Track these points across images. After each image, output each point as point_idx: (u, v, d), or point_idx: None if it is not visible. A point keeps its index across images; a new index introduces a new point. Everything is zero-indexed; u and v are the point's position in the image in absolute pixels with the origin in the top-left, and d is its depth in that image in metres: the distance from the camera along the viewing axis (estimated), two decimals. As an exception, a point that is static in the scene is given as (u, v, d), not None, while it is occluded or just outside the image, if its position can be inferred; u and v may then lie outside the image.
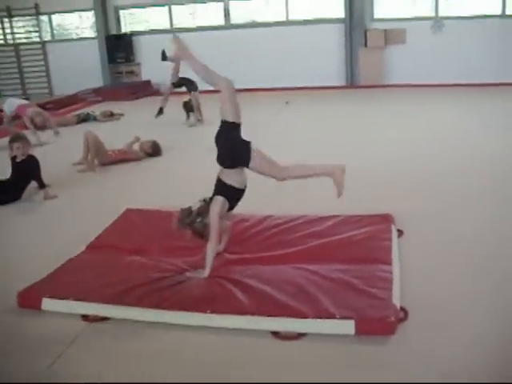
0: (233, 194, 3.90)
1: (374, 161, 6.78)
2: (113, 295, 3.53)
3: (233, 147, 3.87)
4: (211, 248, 3.77)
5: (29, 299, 3.60)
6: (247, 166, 3.87)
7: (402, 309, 3.24)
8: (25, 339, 3.30)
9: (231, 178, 3.86)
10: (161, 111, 10.26)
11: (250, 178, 4.04)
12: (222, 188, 3.88)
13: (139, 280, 3.73)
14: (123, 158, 7.46)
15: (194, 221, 3.80)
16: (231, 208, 3.98)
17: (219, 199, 3.82)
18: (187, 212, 3.82)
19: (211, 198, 3.88)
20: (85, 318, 3.42)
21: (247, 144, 3.88)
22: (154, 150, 7.73)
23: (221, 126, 3.90)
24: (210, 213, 3.79)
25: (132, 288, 3.61)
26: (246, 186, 3.98)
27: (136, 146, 7.73)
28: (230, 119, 3.84)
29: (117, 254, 4.21)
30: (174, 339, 3.21)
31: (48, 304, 3.53)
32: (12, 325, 3.47)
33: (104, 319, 3.40)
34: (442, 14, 14.10)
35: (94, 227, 4.74)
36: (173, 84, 10.24)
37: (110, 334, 3.31)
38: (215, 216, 3.77)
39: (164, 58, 9.06)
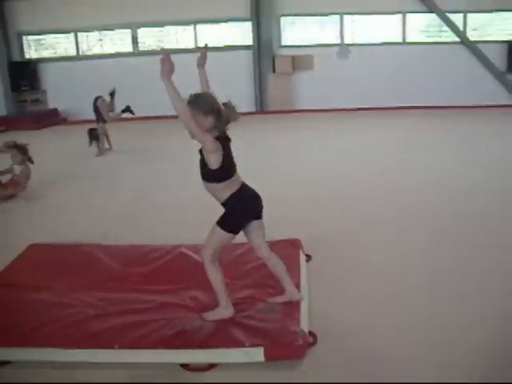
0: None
1: (280, 186, 6.90)
2: (15, 336, 3.36)
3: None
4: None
5: None
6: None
7: (311, 333, 3.29)
8: None
9: (227, 189, 3.38)
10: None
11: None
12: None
13: (44, 319, 3.58)
14: (13, 190, 7.15)
15: None
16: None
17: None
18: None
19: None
20: (-17, 364, 3.24)
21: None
22: (19, 147, 7.19)
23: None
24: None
25: (36, 328, 3.45)
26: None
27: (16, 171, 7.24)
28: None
29: (20, 293, 4.01)
30: (82, 378, 3.09)
31: None
32: None
33: (5, 363, 3.23)
34: (347, 40, 14.69)
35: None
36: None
37: (11, 379, 3.14)
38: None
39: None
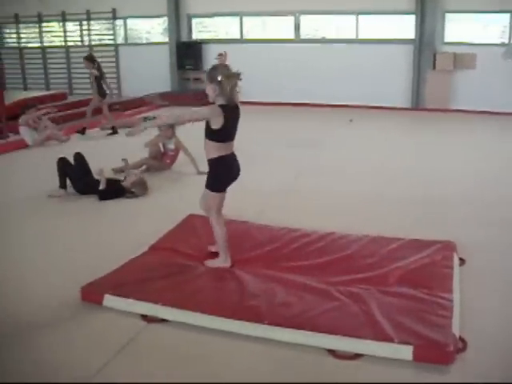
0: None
1: (438, 186, 6.69)
2: (173, 298, 3.61)
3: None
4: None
5: (91, 294, 3.73)
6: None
7: (461, 339, 3.20)
8: (85, 333, 3.42)
9: (216, 151, 4.00)
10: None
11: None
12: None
13: (200, 286, 3.81)
14: (171, 162, 7.59)
15: None
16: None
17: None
18: None
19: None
20: (144, 317, 3.51)
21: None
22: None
23: None
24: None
25: (192, 293, 3.69)
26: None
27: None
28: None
29: (178, 258, 4.30)
30: (230, 347, 3.24)
31: (109, 301, 3.65)
32: (74, 317, 3.60)
33: (163, 321, 3.48)
34: (514, 41, 13.81)
35: (157, 229, 4.86)
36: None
37: (167, 336, 3.38)
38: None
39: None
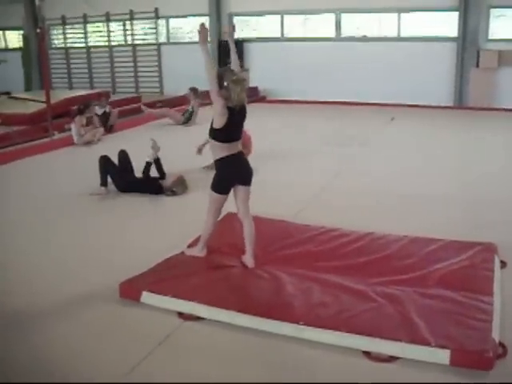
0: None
1: (481, 186, 6.57)
2: (209, 296, 3.64)
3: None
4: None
5: (129, 291, 3.79)
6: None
7: (501, 344, 3.13)
8: (122, 329, 3.48)
9: (221, 151, 4.09)
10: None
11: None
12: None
13: (236, 284, 3.84)
14: None
15: None
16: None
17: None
18: None
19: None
20: (180, 315, 3.56)
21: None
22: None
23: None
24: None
25: (228, 291, 3.72)
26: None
27: None
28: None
29: (214, 256, 4.33)
30: (264, 346, 3.24)
31: (147, 297, 3.71)
32: (112, 313, 3.66)
33: (198, 318, 3.51)
34: None
35: (194, 229, 4.78)
36: None
37: (202, 334, 3.41)
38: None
39: None
